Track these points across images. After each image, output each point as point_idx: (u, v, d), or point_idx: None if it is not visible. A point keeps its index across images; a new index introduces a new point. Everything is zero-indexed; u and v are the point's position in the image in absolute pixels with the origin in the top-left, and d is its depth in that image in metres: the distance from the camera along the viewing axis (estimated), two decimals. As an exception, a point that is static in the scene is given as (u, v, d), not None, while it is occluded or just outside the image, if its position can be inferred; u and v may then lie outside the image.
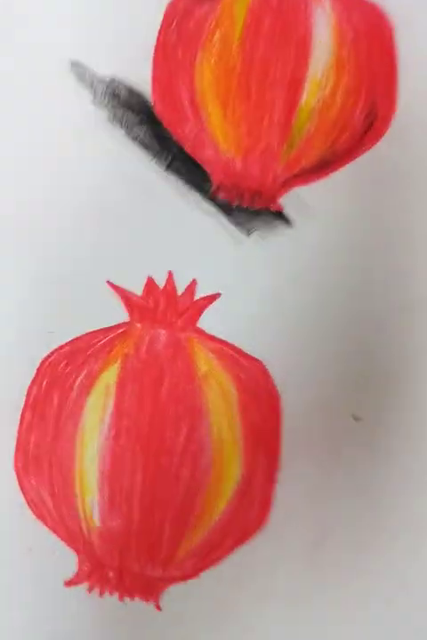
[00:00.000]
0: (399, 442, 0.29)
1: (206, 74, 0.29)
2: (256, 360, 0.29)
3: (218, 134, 0.29)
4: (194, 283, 0.29)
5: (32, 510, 0.28)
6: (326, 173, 0.30)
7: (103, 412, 0.28)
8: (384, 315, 0.29)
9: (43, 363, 0.29)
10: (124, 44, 0.29)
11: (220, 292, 0.29)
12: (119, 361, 0.29)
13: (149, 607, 0.28)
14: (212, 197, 0.29)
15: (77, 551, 0.28)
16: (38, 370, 0.29)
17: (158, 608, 0.28)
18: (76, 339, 0.29)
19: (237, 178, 0.30)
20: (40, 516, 0.28)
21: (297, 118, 0.29)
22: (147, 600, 0.28)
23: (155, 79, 0.29)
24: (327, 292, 0.29)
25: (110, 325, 0.29)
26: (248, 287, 0.29)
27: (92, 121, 0.29)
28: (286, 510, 0.29)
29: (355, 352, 0.29)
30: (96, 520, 0.28)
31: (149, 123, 0.29)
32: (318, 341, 0.29)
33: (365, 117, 0.30)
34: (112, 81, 0.29)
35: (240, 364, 0.29)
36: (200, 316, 0.29)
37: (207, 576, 0.28)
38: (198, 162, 0.29)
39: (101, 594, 0.28)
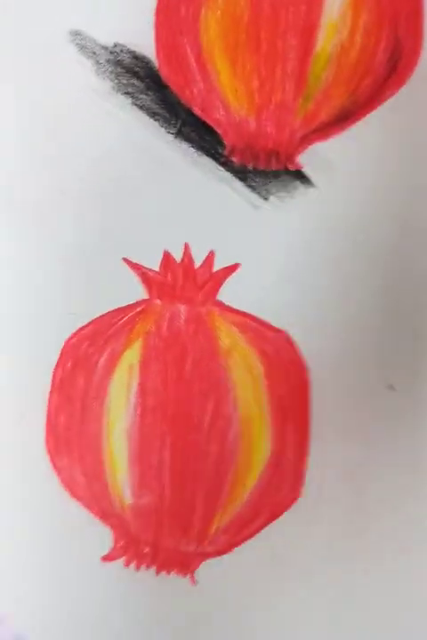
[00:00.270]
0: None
1: (212, 28, 0.27)
2: (280, 331, 0.28)
3: (228, 93, 0.27)
4: (212, 254, 0.28)
5: (66, 489, 0.29)
6: (348, 125, 0.27)
7: (128, 392, 0.28)
8: (416, 279, 0.27)
9: (66, 345, 0.29)
10: (124, 9, 0.27)
11: (239, 262, 0.28)
12: (141, 339, 0.28)
13: (184, 581, 0.29)
14: (225, 162, 0.28)
15: (112, 527, 0.29)
16: (62, 352, 0.29)
17: (193, 582, 0.29)
18: (97, 319, 0.28)
19: (251, 138, 0.28)
20: (74, 495, 0.29)
21: (313, 67, 0.27)
22: (182, 574, 0.29)
23: (158, 41, 0.27)
24: (353, 256, 0.27)
25: (130, 303, 0.29)
26: (268, 255, 0.28)
27: (97, 91, 0.28)
28: (319, 484, 0.28)
29: (386, 319, 0.28)
30: (128, 497, 0.28)
31: (156, 88, 0.27)
32: (345, 308, 0.28)
33: (388, 59, 0.27)
34: (115, 47, 0.28)
35: (264, 336, 0.28)
36: (220, 288, 0.28)
37: (241, 551, 0.28)
38: (210, 124, 0.28)
39: (137, 568, 0.29)
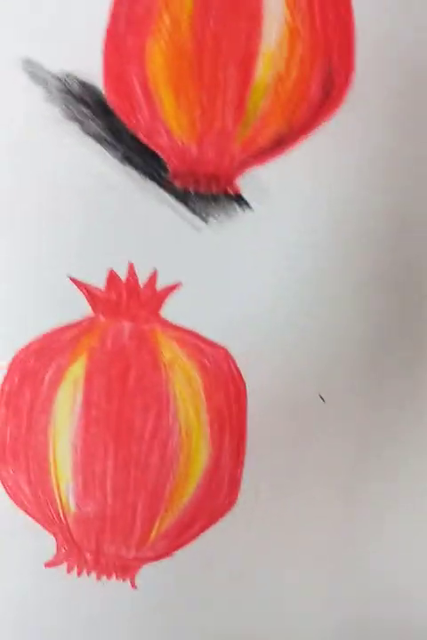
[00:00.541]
0: (368, 422, 0.29)
1: (157, 58, 0.29)
2: (219, 346, 0.29)
3: (171, 120, 0.29)
4: (155, 273, 0.29)
5: (11, 498, 0.30)
6: (284, 150, 0.29)
7: (73, 404, 0.29)
8: (345, 296, 0.29)
9: (14, 360, 0.30)
10: (74, 39, 0.29)
11: (181, 281, 0.29)
12: (86, 355, 0.29)
13: (125, 585, 0.30)
14: (168, 186, 0.29)
15: (55, 535, 0.30)
16: (9, 367, 0.30)
17: (134, 586, 0.30)
18: (44, 335, 0.30)
19: (192, 164, 0.29)
20: (19, 504, 0.30)
21: (252, 96, 0.29)
22: (123, 579, 0.30)
23: (106, 70, 0.29)
24: (288, 276, 0.29)
25: (76, 320, 0.30)
26: (209, 274, 0.29)
27: (47, 117, 0.29)
28: (254, 492, 0.29)
29: (318, 334, 0.29)
30: (72, 506, 0.29)
31: (103, 115, 0.29)
32: (279, 325, 0.29)
33: (322, 87, 0.29)
34: (65, 76, 0.29)
35: (204, 351, 0.29)
36: (162, 305, 0.30)
37: (180, 555, 0.30)
38: (154, 150, 0.29)
39: (79, 574, 0.30)
